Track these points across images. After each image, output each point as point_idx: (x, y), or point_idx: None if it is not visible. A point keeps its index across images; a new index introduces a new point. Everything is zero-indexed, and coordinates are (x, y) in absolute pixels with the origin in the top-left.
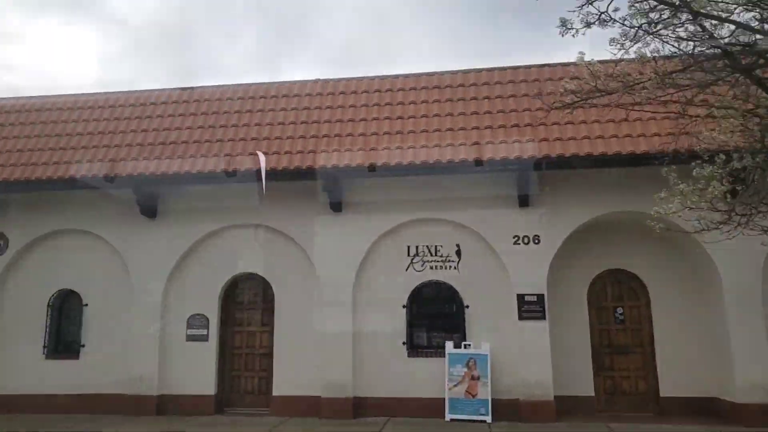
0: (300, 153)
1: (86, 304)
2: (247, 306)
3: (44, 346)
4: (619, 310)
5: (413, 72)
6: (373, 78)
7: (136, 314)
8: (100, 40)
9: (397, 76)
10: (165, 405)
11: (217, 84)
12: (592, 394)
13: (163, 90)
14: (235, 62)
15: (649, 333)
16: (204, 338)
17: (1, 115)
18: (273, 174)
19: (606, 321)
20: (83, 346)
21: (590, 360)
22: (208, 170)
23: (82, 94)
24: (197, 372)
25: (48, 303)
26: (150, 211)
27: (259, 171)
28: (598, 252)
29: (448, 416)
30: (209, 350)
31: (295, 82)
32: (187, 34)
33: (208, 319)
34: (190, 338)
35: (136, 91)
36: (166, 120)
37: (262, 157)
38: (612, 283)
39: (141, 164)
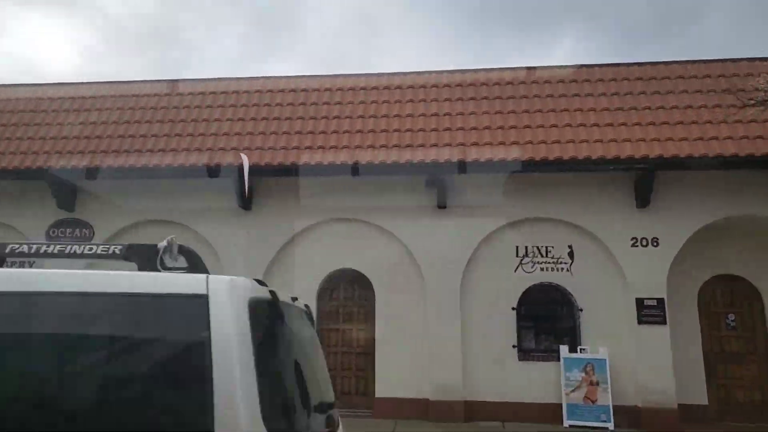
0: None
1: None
2: (343, 303)
3: None
4: (731, 317)
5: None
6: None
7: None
8: (81, 32)
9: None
10: None
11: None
12: (706, 402)
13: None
14: (220, 57)
15: (763, 341)
16: None
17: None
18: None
19: (717, 327)
20: None
21: (702, 367)
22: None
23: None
24: None
25: None
26: (246, 202)
27: (241, 169)
28: (708, 256)
29: (566, 422)
30: None
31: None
32: (171, 28)
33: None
34: None
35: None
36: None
37: (245, 158)
38: (722, 288)
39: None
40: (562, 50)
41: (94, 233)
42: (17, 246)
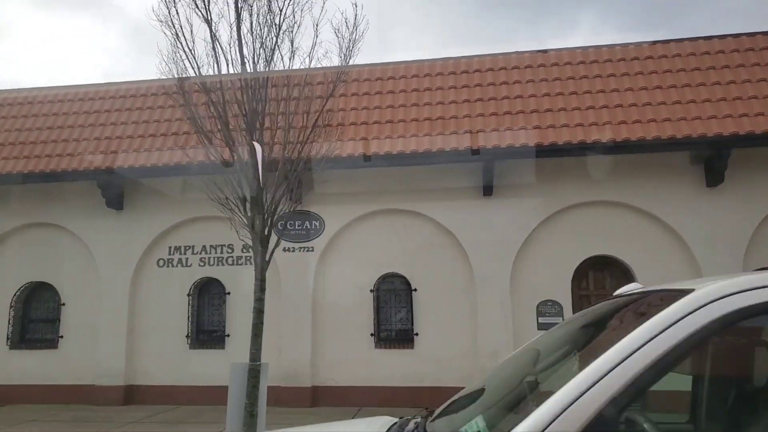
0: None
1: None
2: (594, 292)
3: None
4: None
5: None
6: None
7: (481, 302)
8: (100, 32)
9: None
10: None
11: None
12: None
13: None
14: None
15: None
16: None
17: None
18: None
19: None
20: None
21: None
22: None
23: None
24: None
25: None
26: (487, 188)
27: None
28: None
29: None
30: None
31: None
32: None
33: (561, 306)
34: (543, 327)
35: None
36: None
37: (258, 148)
38: None
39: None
40: (580, 32)
41: (324, 226)
42: None
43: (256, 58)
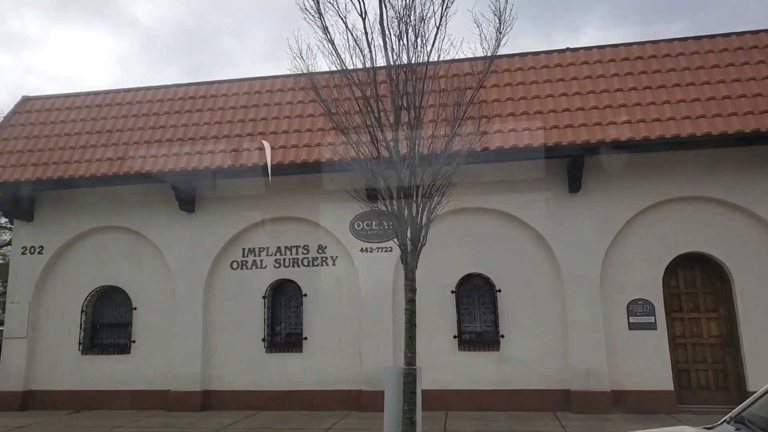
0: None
1: (500, 290)
2: (684, 290)
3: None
4: None
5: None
6: None
7: (570, 302)
8: (115, 42)
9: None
10: (618, 401)
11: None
12: None
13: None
14: (247, 59)
15: None
16: (651, 326)
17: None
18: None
19: None
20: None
21: None
22: None
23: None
24: (648, 365)
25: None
26: (574, 185)
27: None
28: None
29: None
30: (658, 340)
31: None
32: (199, 34)
33: (652, 305)
34: (634, 327)
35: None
36: None
37: (267, 147)
38: None
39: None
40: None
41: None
42: None
43: (400, 50)
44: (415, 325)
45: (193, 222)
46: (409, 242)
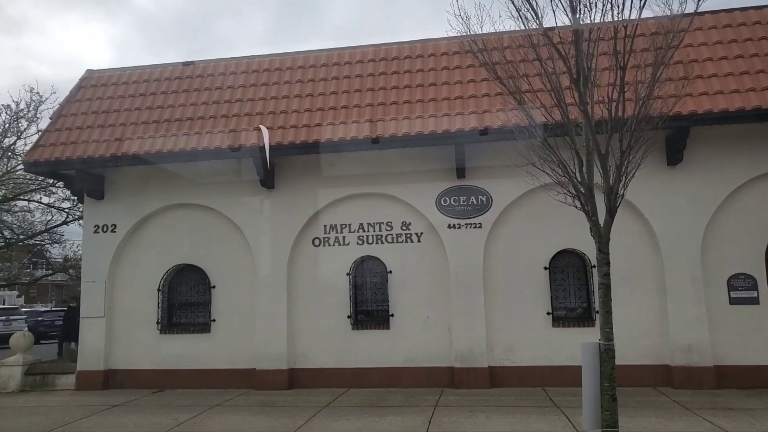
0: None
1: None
2: None
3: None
4: None
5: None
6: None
7: (669, 277)
8: (116, 27)
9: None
10: (720, 377)
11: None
12: None
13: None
14: (248, 44)
15: None
16: (753, 301)
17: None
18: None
19: None
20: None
21: None
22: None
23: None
24: (750, 340)
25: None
26: (674, 159)
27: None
28: None
29: None
30: (761, 314)
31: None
32: (200, 19)
33: (754, 280)
34: (735, 301)
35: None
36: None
37: (264, 131)
38: None
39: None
40: None
41: (492, 200)
42: None
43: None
44: (611, 299)
45: (273, 198)
46: (606, 212)
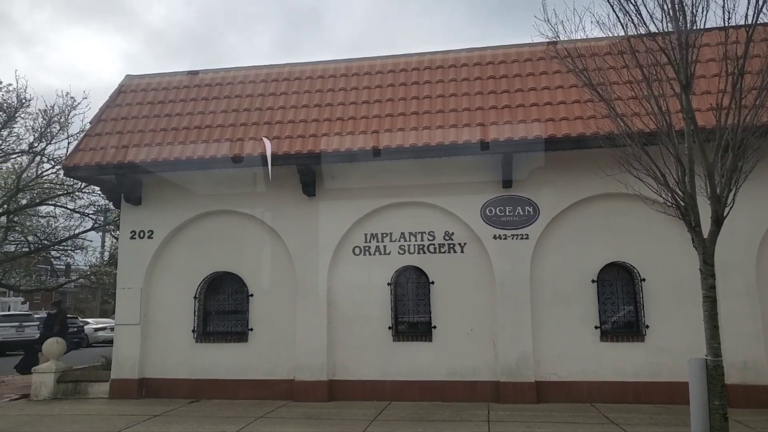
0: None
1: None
2: None
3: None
4: None
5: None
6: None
7: (722, 291)
8: (125, 42)
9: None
10: None
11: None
12: None
13: None
14: (254, 58)
15: None
16: None
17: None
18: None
19: None
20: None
21: None
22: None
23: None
24: None
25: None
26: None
27: (264, 157)
28: None
29: None
30: None
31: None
32: (207, 35)
33: None
34: None
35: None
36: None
37: (267, 143)
38: None
39: None
40: None
41: (539, 211)
42: None
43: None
44: (717, 313)
45: (313, 206)
46: (711, 222)
